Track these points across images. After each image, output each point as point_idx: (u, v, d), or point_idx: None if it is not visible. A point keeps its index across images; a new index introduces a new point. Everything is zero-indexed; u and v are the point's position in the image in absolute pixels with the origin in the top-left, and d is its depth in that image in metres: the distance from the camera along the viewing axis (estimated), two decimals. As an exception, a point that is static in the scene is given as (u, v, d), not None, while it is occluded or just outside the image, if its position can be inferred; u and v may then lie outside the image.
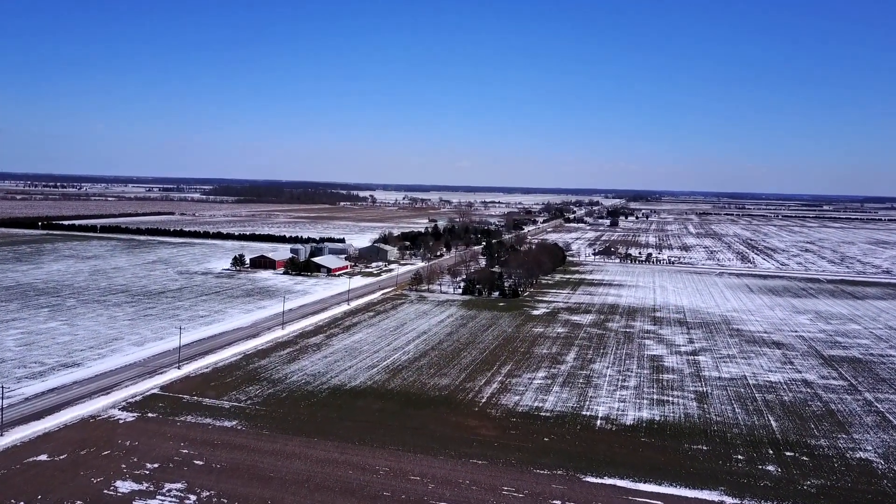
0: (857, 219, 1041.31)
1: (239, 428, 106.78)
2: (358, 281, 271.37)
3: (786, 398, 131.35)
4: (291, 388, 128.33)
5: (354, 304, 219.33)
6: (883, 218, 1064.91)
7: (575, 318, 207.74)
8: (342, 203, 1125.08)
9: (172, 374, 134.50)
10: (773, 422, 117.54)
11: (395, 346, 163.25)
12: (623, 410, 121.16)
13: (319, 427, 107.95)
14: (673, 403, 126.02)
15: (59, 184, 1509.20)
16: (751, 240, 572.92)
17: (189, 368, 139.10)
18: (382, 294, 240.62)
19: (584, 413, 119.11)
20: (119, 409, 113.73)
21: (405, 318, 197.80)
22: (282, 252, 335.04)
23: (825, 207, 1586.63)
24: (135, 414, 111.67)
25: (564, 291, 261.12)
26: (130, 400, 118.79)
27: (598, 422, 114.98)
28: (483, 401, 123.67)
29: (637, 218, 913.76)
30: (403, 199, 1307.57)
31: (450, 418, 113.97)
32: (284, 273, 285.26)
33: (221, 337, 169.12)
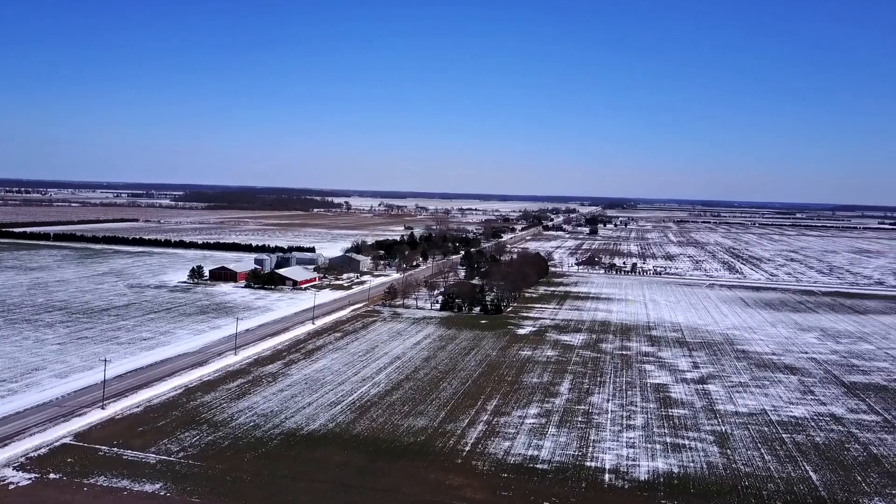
0: (832, 227, 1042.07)
1: (163, 493, 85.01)
2: (326, 295, 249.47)
3: (818, 440, 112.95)
4: (236, 433, 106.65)
5: (320, 322, 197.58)
6: (858, 227, 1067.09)
7: (565, 338, 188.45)
8: (316, 210, 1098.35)
9: (94, 417, 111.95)
10: (811, 473, 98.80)
11: (364, 376, 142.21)
12: (634, 459, 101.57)
13: (265, 491, 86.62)
14: (691, 449, 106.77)
15: (23, 189, 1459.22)
16: (733, 248, 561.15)
17: (116, 408, 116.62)
18: (352, 310, 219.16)
19: (588, 464, 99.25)
20: (14, 469, 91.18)
21: (376, 340, 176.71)
22: (246, 262, 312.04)
23: (799, 215, 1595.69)
24: (33, 475, 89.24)
25: (550, 306, 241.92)
26: (32, 454, 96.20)
27: (607, 476, 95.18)
28: (467, 448, 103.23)
29: (616, 226, 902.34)
30: (379, 205, 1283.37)
31: (428, 475, 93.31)
32: (246, 286, 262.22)
33: (163, 365, 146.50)
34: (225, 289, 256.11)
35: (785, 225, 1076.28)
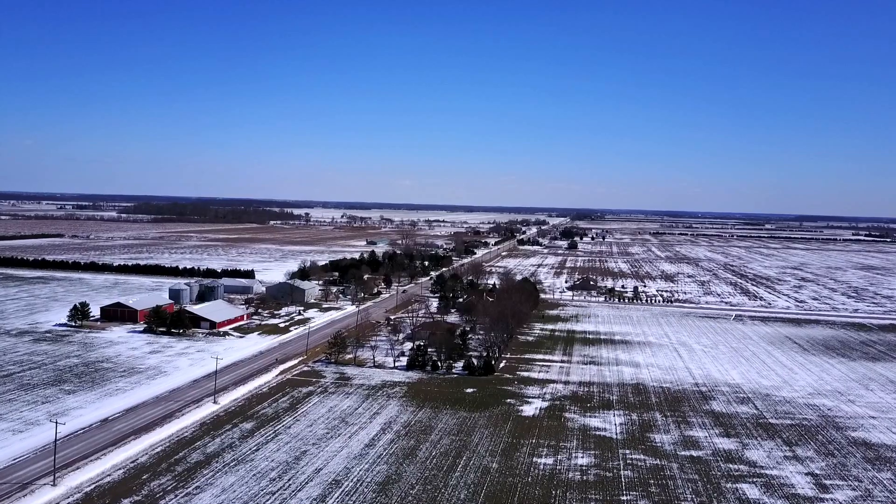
0: (813, 239, 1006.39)
1: None
2: (251, 344, 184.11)
3: None
4: None
5: (227, 399, 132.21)
6: (838, 238, 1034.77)
7: (594, 422, 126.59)
8: (273, 222, 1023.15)
9: None
10: None
11: (269, 540, 78.16)
12: None
13: None
14: None
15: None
16: (730, 265, 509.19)
17: None
18: (280, 373, 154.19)
19: None
20: None
21: (307, 439, 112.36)
22: (163, 292, 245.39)
23: (768, 226, 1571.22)
24: None
25: (555, 358, 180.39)
26: None
27: None
28: None
29: (592, 239, 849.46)
30: (341, 217, 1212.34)
31: None
32: (146, 330, 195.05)
33: None
34: (114, 335, 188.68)
35: (764, 237, 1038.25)
